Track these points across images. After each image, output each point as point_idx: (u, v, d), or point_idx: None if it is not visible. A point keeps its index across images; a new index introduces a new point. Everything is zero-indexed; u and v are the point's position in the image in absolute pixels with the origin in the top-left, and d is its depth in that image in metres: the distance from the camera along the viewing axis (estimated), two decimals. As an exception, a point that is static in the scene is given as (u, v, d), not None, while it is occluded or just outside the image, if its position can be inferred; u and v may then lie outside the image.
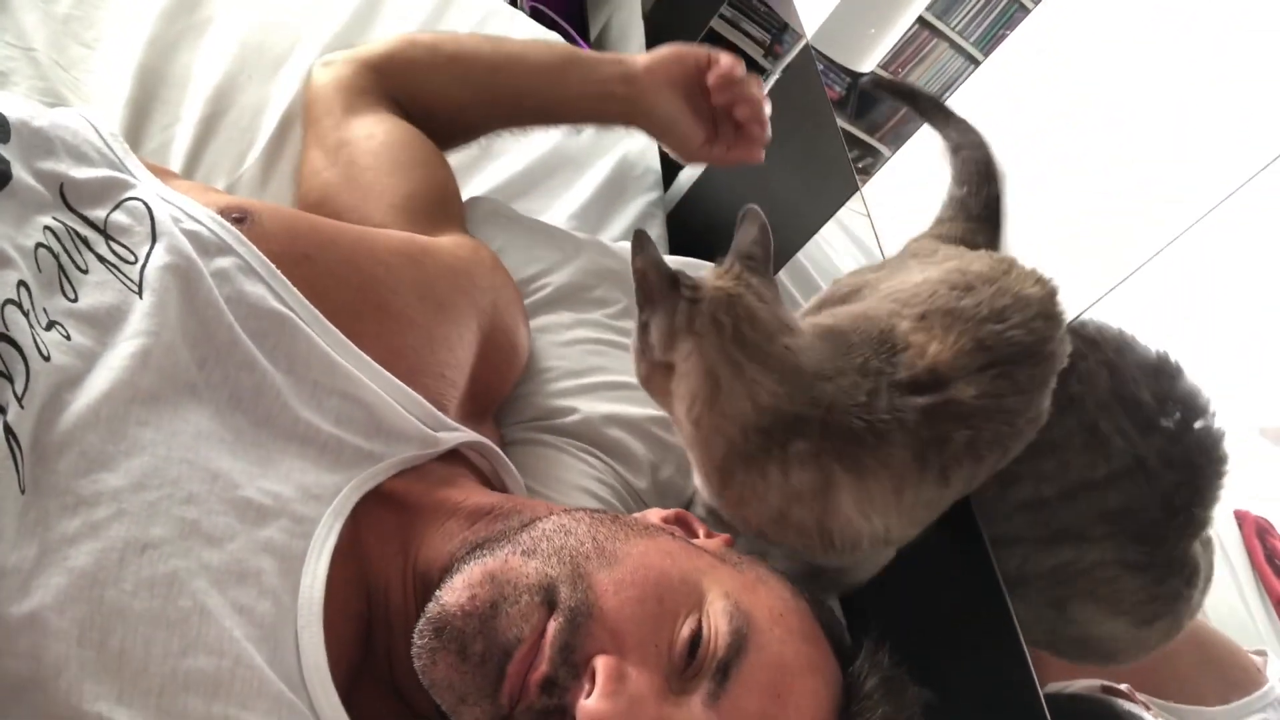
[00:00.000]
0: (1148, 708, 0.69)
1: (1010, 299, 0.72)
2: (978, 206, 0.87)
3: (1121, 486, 0.75)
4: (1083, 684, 0.73)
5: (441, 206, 0.90)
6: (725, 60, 0.94)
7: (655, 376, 0.72)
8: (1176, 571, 0.70)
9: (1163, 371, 0.75)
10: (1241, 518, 0.69)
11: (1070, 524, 0.78)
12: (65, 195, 0.60)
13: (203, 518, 0.53)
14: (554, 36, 1.34)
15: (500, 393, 0.89)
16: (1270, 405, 0.67)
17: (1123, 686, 0.70)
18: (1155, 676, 0.70)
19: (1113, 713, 0.70)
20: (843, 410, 0.66)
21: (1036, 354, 0.72)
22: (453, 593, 0.57)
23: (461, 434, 0.74)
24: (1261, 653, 0.65)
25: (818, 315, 0.77)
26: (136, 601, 0.48)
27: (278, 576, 0.56)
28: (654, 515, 0.72)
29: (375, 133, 0.92)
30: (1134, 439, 0.74)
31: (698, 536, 0.70)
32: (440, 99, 0.98)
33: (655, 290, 0.70)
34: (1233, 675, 0.66)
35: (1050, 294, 0.75)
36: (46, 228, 0.57)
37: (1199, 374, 0.71)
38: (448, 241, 0.84)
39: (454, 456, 0.75)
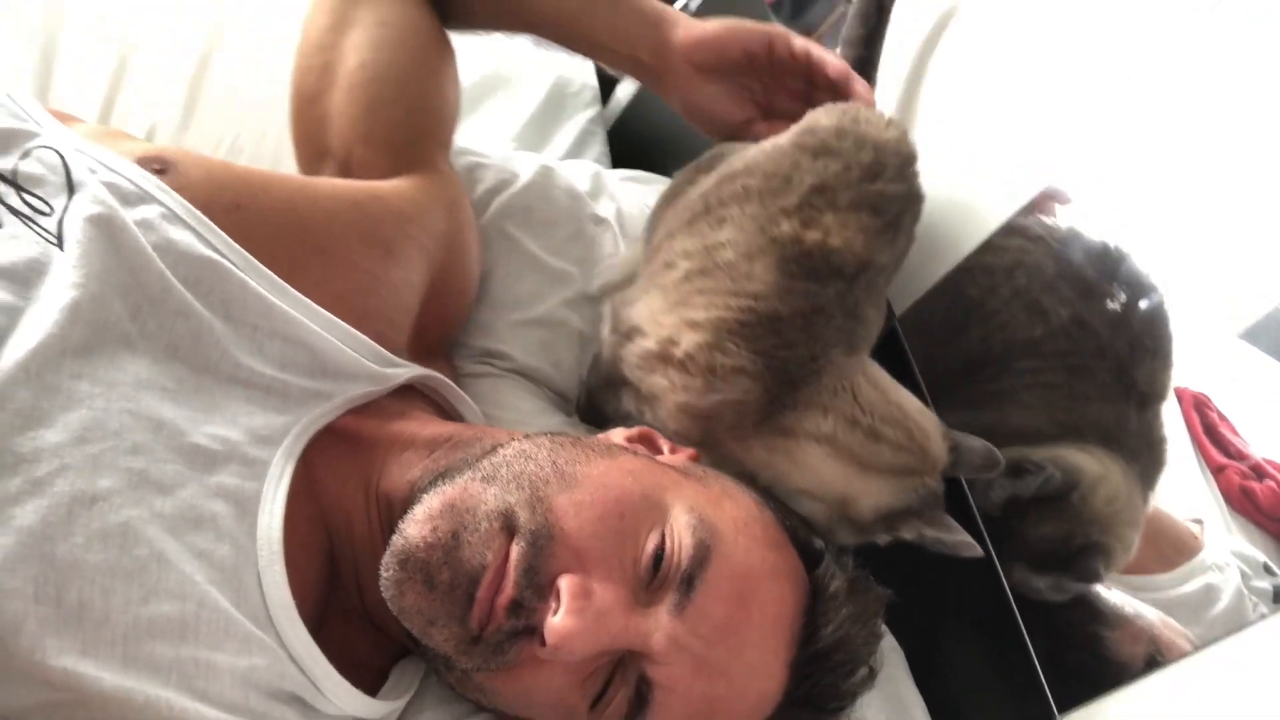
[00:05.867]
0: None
1: (874, 151, 0.72)
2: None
3: (1061, 338, 0.78)
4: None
5: (413, 143, 0.85)
6: (799, 47, 0.82)
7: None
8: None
9: (1108, 256, 0.75)
10: (1180, 394, 0.71)
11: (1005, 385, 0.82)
12: None
13: (150, 466, 0.52)
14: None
15: (450, 330, 0.88)
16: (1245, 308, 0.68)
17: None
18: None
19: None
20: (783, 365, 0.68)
21: (914, 198, 0.74)
22: (414, 525, 0.57)
23: (411, 369, 0.73)
24: (1198, 520, 0.68)
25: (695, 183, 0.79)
26: (91, 554, 0.48)
27: (233, 520, 0.55)
28: (617, 435, 0.72)
29: (370, 37, 0.84)
30: (1077, 306, 0.75)
31: (662, 453, 0.70)
32: None
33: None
34: (1174, 543, 0.69)
35: (904, 134, 0.75)
36: None
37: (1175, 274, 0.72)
38: (402, 184, 0.81)
39: (408, 391, 0.75)
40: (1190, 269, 0.70)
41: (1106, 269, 0.74)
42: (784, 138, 0.75)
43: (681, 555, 0.57)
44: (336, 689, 0.57)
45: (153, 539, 0.50)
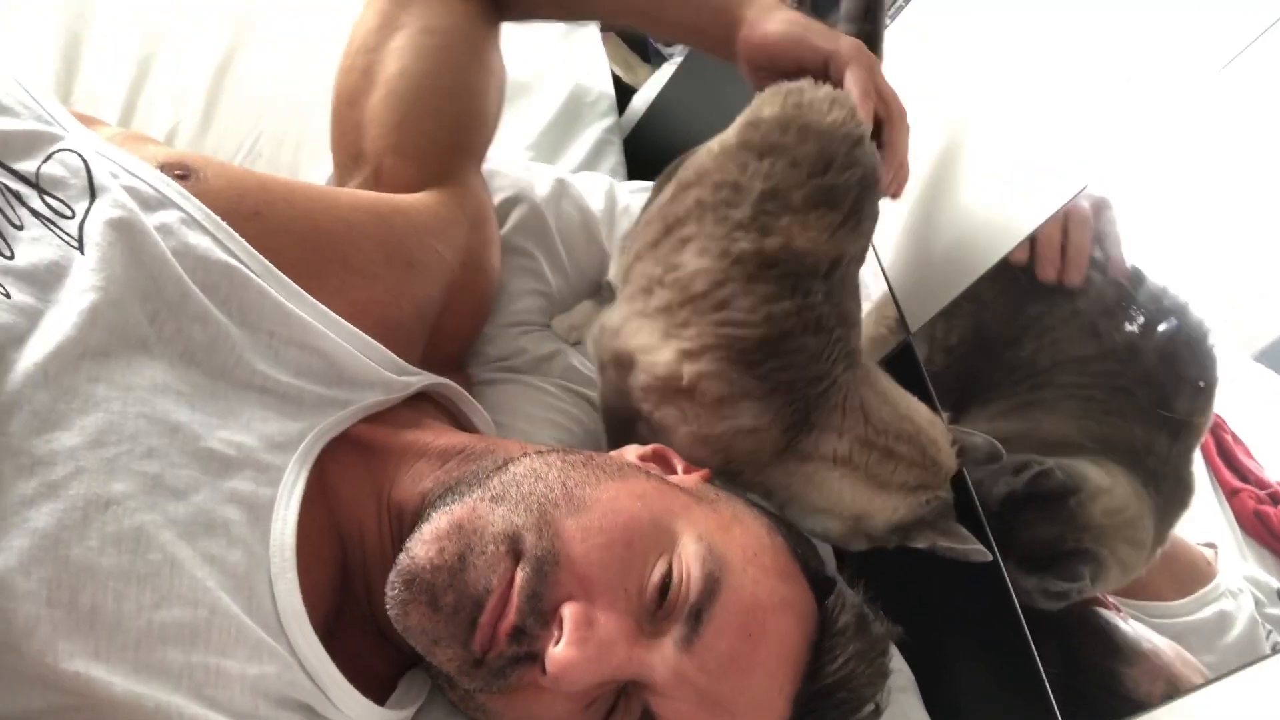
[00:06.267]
0: (1118, 610, 0.71)
1: (817, 141, 0.68)
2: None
3: (1111, 359, 0.77)
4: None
5: (443, 157, 0.85)
6: (848, 83, 0.75)
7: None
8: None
9: (1168, 296, 0.73)
10: (1193, 415, 0.71)
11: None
12: None
13: (165, 471, 0.52)
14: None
15: (465, 343, 0.88)
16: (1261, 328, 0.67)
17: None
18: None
19: (1088, 619, 0.72)
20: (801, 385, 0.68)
21: (869, 180, 0.70)
22: (422, 545, 0.57)
23: (425, 377, 0.73)
24: (1212, 545, 0.67)
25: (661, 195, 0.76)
26: (104, 558, 0.48)
27: (246, 526, 0.55)
28: (631, 452, 0.71)
29: (414, 43, 0.83)
30: (1132, 333, 0.74)
31: (676, 472, 0.69)
32: None
33: None
34: (1187, 569, 0.68)
35: (848, 113, 0.70)
36: None
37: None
38: (426, 198, 0.81)
39: (421, 400, 0.75)
40: (1204, 290, 0.70)
41: (1165, 306, 0.73)
42: (730, 134, 0.72)
43: (689, 587, 0.57)
44: (346, 698, 0.57)
45: (166, 544, 0.50)
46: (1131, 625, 0.70)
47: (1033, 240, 0.79)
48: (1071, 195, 0.76)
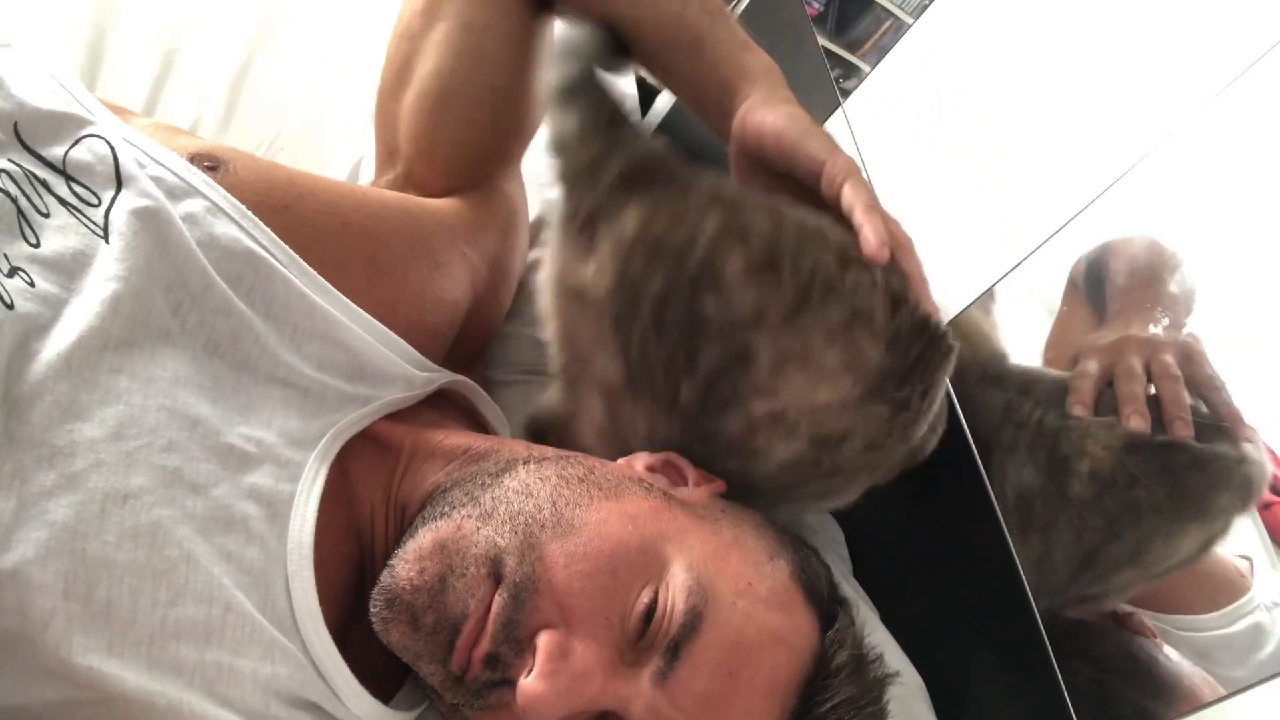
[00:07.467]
0: (1151, 633, 0.69)
1: (939, 372, 0.67)
2: None
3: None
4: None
5: (474, 164, 0.83)
6: (845, 202, 0.66)
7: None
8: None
9: None
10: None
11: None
12: (20, 134, 0.57)
13: (184, 465, 0.52)
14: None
15: (482, 344, 0.88)
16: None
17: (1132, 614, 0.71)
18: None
19: (1119, 643, 0.71)
20: None
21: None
22: (403, 564, 0.56)
23: (445, 375, 0.73)
24: (1247, 558, 0.66)
25: None
26: (121, 552, 0.48)
27: (264, 522, 0.55)
28: (640, 461, 0.68)
29: (451, 40, 0.80)
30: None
31: (686, 483, 0.66)
32: None
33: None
34: (1218, 582, 0.67)
35: (909, 293, 0.65)
36: (3, 171, 0.55)
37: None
38: (457, 202, 0.80)
39: (440, 400, 0.75)
40: (1231, 293, 0.69)
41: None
42: (833, 389, 0.63)
43: (671, 621, 0.55)
44: (356, 699, 0.56)
45: (183, 539, 0.50)
46: (1169, 657, 0.68)
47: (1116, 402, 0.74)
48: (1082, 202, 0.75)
